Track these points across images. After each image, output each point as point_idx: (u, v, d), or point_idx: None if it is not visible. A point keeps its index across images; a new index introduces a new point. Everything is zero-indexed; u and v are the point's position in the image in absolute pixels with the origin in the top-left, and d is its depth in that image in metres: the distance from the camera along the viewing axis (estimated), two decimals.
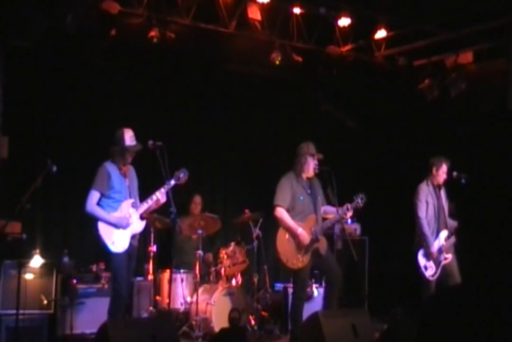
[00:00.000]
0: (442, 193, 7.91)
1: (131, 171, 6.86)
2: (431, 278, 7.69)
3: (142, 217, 6.80)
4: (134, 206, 6.72)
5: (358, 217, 8.90)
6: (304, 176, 7.38)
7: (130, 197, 6.75)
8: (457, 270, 7.75)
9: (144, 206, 6.75)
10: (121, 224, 6.58)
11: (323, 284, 8.49)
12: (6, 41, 6.76)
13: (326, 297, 7.46)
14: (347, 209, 7.24)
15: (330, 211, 7.46)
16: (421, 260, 7.72)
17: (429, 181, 7.88)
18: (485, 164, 7.82)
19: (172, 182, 6.71)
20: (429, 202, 7.79)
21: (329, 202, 7.45)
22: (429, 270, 7.70)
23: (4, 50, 6.75)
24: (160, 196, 6.69)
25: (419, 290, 7.92)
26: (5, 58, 7.39)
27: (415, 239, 7.83)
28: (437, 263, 7.72)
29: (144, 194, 6.89)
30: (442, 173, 7.83)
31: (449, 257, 7.74)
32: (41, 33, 7.12)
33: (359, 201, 7.25)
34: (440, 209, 7.83)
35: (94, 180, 6.60)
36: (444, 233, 7.79)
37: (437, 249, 7.71)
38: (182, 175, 6.78)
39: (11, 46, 7.02)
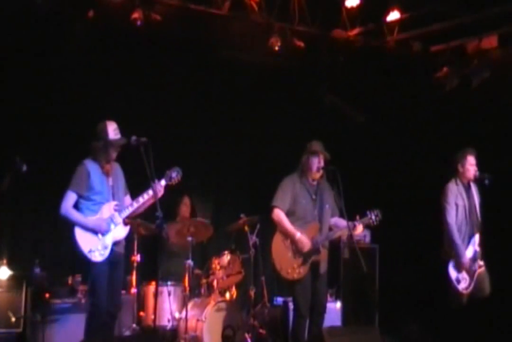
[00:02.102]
0: (473, 191, 7.80)
1: (116, 169, 6.78)
2: (464, 291, 7.57)
3: (125, 222, 6.70)
4: (117, 209, 6.61)
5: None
6: (310, 177, 7.29)
7: (114, 199, 6.65)
8: (488, 282, 7.67)
9: (129, 210, 6.65)
10: (99, 229, 6.46)
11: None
12: None
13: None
14: (356, 224, 7.16)
15: (340, 225, 7.32)
16: (452, 273, 7.58)
17: (457, 180, 7.78)
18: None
19: (163, 182, 6.64)
20: (459, 204, 7.68)
21: (340, 212, 7.34)
22: (462, 282, 7.59)
23: None
24: (147, 197, 6.60)
25: (439, 305, 7.89)
26: None
27: (444, 247, 7.70)
28: (471, 273, 7.59)
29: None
30: (469, 166, 7.73)
31: (482, 264, 7.64)
32: (8, 15, 7.04)
33: (373, 217, 7.16)
34: (472, 210, 7.73)
35: (71, 180, 6.50)
36: (477, 237, 7.67)
37: (471, 257, 7.59)
38: (175, 175, 6.73)
39: None
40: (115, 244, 6.58)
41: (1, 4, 7.02)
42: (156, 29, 8.07)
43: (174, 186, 6.85)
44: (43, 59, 8.27)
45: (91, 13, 7.64)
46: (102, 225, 6.48)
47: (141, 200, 6.61)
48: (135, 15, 7.76)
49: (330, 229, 7.33)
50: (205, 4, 8.17)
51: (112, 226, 6.56)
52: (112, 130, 6.55)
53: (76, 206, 6.50)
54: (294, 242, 7.10)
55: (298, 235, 7.06)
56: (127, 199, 6.80)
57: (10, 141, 8.03)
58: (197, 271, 8.44)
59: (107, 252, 6.48)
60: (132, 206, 6.63)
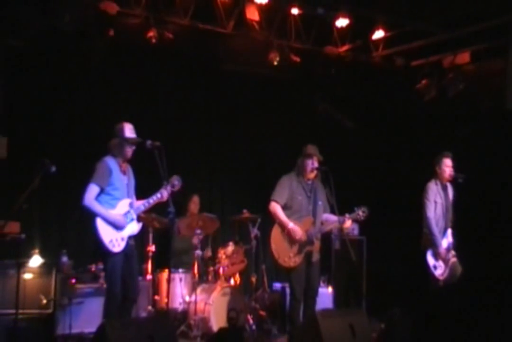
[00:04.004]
0: (449, 191, 7.97)
1: (129, 169, 6.72)
2: (440, 277, 7.73)
3: (139, 219, 6.69)
4: (131, 206, 6.58)
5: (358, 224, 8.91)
6: (305, 177, 7.38)
7: (128, 196, 6.61)
8: (459, 268, 7.81)
9: (141, 208, 6.63)
10: (118, 223, 6.42)
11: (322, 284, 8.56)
12: (3, 41, 6.75)
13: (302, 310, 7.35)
14: (345, 219, 7.23)
15: (330, 220, 7.40)
16: (430, 260, 7.75)
17: (437, 180, 7.92)
18: (483, 164, 7.84)
19: (168, 188, 6.58)
20: (438, 202, 7.84)
21: (331, 208, 7.41)
22: (439, 269, 7.75)
23: (2, 50, 6.75)
24: (156, 198, 6.57)
25: (419, 290, 8.05)
26: (3, 58, 7.37)
27: (423, 239, 7.85)
28: (446, 261, 7.77)
29: (140, 194, 6.82)
30: (445, 167, 7.86)
31: (454, 253, 7.83)
32: (39, 33, 7.11)
33: (360, 213, 7.24)
34: (448, 208, 7.88)
35: (94, 174, 6.39)
36: (450, 231, 7.85)
37: (446, 248, 7.77)
38: (177, 182, 6.65)
39: (9, 46, 7.03)
40: (130, 237, 6.56)
41: (35, 23, 7.03)
42: (168, 45, 8.06)
43: (183, 186, 6.79)
44: (69, 71, 8.35)
45: (111, 32, 7.60)
46: (121, 220, 6.42)
47: (151, 201, 6.58)
48: (150, 33, 7.77)
49: (322, 223, 7.38)
50: (211, 23, 8.15)
51: (128, 221, 6.53)
52: (128, 129, 6.51)
53: (96, 199, 6.37)
54: (287, 231, 7.16)
55: (291, 224, 7.13)
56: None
57: (41, 146, 8.14)
58: (206, 256, 8.54)
59: (123, 244, 6.44)
60: (144, 205, 6.58)
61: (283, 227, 7.21)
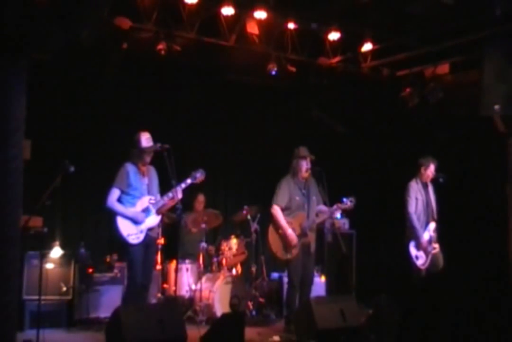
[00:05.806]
0: (430, 189, 8.12)
1: (151, 170, 6.96)
2: (422, 267, 7.85)
3: (158, 213, 6.90)
4: (151, 202, 6.83)
5: (347, 213, 9.01)
6: (300, 177, 7.50)
7: (149, 194, 6.85)
8: (442, 259, 7.96)
9: (160, 203, 6.84)
10: (136, 219, 6.70)
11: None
12: (29, 54, 6.86)
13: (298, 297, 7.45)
14: (335, 209, 7.41)
15: (323, 210, 7.57)
16: (412, 251, 7.87)
17: (418, 179, 8.08)
18: (460, 164, 7.83)
19: (189, 181, 6.84)
20: (418, 198, 7.98)
21: (324, 204, 7.56)
22: (420, 259, 7.87)
23: (28, 62, 6.86)
24: (175, 193, 6.74)
25: (404, 279, 8.11)
26: (28, 69, 7.50)
27: (406, 232, 7.98)
28: (427, 252, 7.89)
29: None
30: (430, 172, 8.05)
31: (437, 246, 7.96)
32: (61, 46, 7.22)
33: (348, 203, 7.39)
34: (429, 204, 8.03)
35: (115, 179, 6.75)
36: (432, 225, 7.99)
37: (427, 240, 7.89)
38: (199, 175, 6.91)
39: (34, 59, 7.15)
40: (150, 229, 6.80)
41: (57, 38, 7.09)
42: (176, 57, 8.10)
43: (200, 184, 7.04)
44: (87, 81, 8.48)
45: (125, 45, 7.69)
46: (139, 216, 6.70)
47: (166, 198, 6.80)
48: (160, 46, 7.79)
49: (316, 215, 7.53)
50: (215, 37, 8.16)
51: (147, 215, 6.77)
52: (145, 139, 6.74)
53: (118, 200, 6.73)
54: (284, 236, 7.31)
55: (289, 231, 7.29)
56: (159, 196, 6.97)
57: (62, 148, 8.22)
58: (211, 248, 8.67)
59: (142, 236, 6.70)
60: (163, 199, 6.82)
61: (282, 230, 7.35)
